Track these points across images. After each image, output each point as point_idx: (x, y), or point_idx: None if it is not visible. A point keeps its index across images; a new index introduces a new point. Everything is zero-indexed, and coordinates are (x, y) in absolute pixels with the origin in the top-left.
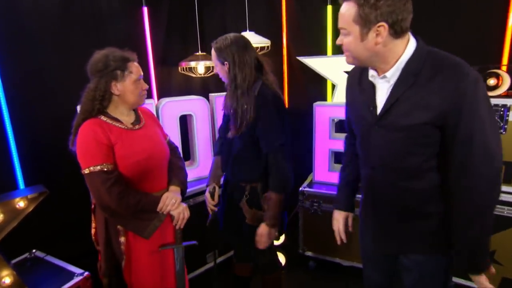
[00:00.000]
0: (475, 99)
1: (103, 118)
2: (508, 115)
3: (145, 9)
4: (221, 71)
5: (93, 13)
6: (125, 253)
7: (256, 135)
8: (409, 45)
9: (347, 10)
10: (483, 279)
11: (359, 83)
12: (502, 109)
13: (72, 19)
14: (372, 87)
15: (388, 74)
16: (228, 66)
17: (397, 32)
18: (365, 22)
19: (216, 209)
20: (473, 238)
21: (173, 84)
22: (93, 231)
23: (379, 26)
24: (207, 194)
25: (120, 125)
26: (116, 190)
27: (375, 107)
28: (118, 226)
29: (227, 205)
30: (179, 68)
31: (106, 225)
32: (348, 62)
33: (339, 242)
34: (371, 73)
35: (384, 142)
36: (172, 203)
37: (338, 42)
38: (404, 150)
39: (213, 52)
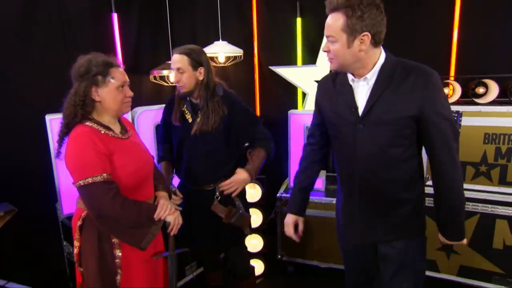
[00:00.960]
0: (441, 91)
1: (95, 126)
2: (461, 120)
3: (115, 15)
4: (190, 76)
5: (61, 19)
6: (121, 267)
7: (229, 130)
8: (382, 54)
9: (336, 20)
10: (464, 241)
11: (334, 89)
12: (456, 115)
13: (36, 23)
14: (350, 91)
15: (368, 75)
16: (204, 71)
17: (376, 42)
18: (351, 31)
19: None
20: (458, 207)
21: (143, 93)
22: (75, 250)
23: (363, 35)
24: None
25: (113, 134)
26: (120, 200)
27: (356, 107)
28: (113, 240)
29: (196, 216)
30: (151, 77)
31: (99, 240)
32: (333, 68)
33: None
34: (351, 77)
35: (369, 138)
36: (169, 209)
37: (324, 49)
38: (388, 143)
39: (183, 57)
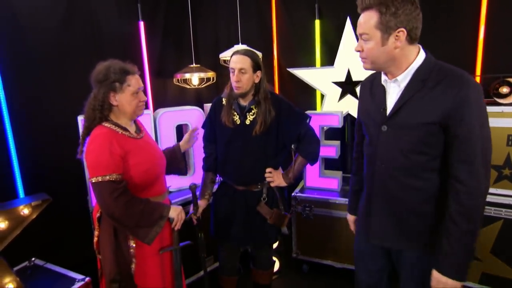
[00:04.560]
0: (476, 105)
1: (113, 127)
2: None
3: (141, 24)
4: (250, 78)
5: (92, 28)
6: (135, 256)
7: (277, 130)
8: (420, 55)
9: (369, 17)
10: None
11: (370, 90)
12: None
13: (71, 33)
14: (383, 91)
15: (399, 78)
16: (261, 75)
17: (412, 38)
18: (386, 28)
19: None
20: (468, 239)
21: (168, 95)
22: (95, 239)
23: (398, 32)
24: (193, 214)
25: (129, 134)
26: (123, 200)
27: (385, 108)
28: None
29: (240, 215)
30: (174, 80)
31: (115, 231)
32: (366, 68)
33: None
34: (384, 78)
35: (392, 140)
36: (181, 219)
37: (357, 48)
38: (410, 148)
39: (246, 59)
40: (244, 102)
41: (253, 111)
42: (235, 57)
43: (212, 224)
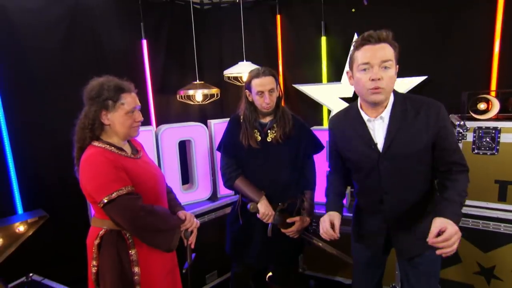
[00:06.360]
0: (446, 113)
1: (107, 147)
2: (499, 137)
3: (144, 42)
4: (276, 95)
5: (95, 46)
6: (140, 284)
7: (297, 148)
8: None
9: (388, 49)
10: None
11: (348, 129)
12: (494, 131)
13: (74, 51)
14: (366, 129)
15: (383, 114)
16: (279, 88)
17: None
18: (397, 62)
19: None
20: (463, 193)
21: (171, 111)
22: (94, 270)
23: (397, 68)
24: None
25: (125, 154)
26: (148, 206)
27: (375, 144)
28: (132, 257)
29: (259, 234)
30: (178, 96)
31: (119, 258)
32: (379, 99)
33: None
34: (366, 117)
35: (394, 170)
36: (195, 223)
37: (378, 76)
38: (413, 171)
39: (273, 79)
40: (264, 120)
41: (274, 129)
42: (261, 80)
43: (228, 241)
